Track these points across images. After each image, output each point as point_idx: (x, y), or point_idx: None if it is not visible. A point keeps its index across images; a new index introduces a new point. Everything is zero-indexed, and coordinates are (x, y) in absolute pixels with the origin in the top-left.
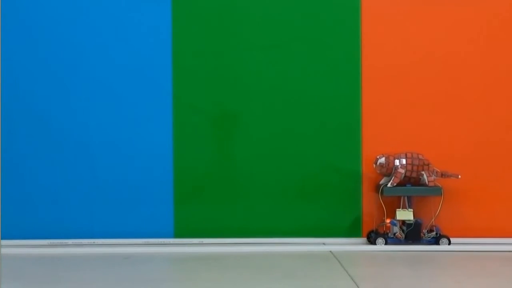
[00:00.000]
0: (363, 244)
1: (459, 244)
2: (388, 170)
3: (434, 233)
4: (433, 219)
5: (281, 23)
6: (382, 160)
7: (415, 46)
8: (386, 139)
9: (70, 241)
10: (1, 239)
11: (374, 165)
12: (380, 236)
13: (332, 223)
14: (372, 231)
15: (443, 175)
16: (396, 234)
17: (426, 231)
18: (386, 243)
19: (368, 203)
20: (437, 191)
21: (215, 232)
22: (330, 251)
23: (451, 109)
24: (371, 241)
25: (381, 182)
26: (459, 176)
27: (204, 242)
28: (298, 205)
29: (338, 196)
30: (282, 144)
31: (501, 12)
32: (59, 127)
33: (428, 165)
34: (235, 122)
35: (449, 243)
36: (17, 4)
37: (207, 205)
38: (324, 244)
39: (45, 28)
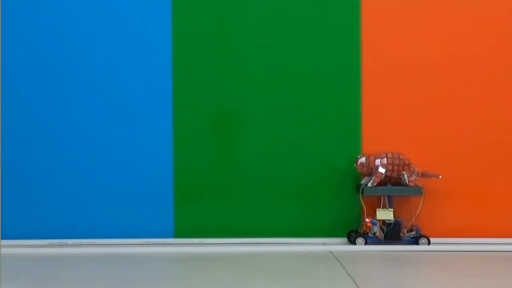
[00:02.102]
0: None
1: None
2: (369, 170)
3: (413, 232)
4: (413, 219)
5: (281, 23)
6: (363, 159)
7: (415, 46)
8: (386, 138)
9: (70, 241)
10: (1, 239)
11: (355, 165)
12: (360, 236)
13: (332, 223)
14: (353, 230)
15: (423, 175)
16: (376, 233)
17: (406, 231)
18: (366, 243)
19: (368, 202)
20: (417, 191)
21: (215, 232)
22: (330, 251)
23: (451, 109)
24: (351, 240)
25: (362, 182)
26: (440, 176)
27: (204, 242)
28: (298, 205)
29: (338, 196)
30: (282, 144)
31: (502, 12)
32: (59, 127)
33: (408, 165)
34: (235, 122)
35: (429, 243)
36: (16, 3)
37: (207, 205)
38: (324, 244)
39: (44, 28)
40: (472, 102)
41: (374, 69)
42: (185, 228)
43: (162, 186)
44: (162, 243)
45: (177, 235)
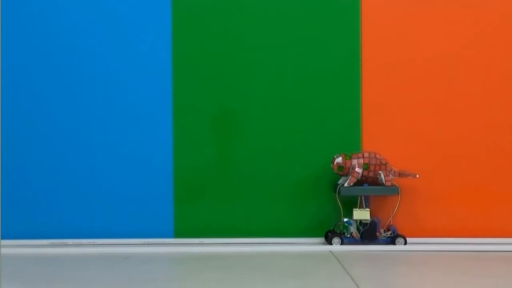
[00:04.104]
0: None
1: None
2: (345, 170)
3: (390, 232)
4: (390, 219)
5: (281, 23)
6: (339, 159)
7: (415, 46)
8: (386, 138)
9: (70, 241)
10: (1, 239)
11: (332, 165)
12: (336, 236)
13: (332, 223)
14: (330, 230)
15: (400, 174)
16: (352, 233)
17: (383, 230)
18: (342, 243)
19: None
20: (394, 190)
21: (215, 232)
22: (330, 251)
23: (451, 109)
24: (328, 240)
25: (339, 182)
26: (417, 176)
27: (204, 242)
28: (298, 205)
29: None
30: (282, 144)
31: (502, 12)
32: (59, 126)
33: (385, 164)
34: (235, 122)
35: (405, 243)
36: (16, 3)
37: (207, 205)
38: (324, 244)
39: (44, 28)
40: (472, 102)
41: (374, 69)
42: (185, 228)
43: (162, 186)
44: (162, 243)
45: (177, 235)
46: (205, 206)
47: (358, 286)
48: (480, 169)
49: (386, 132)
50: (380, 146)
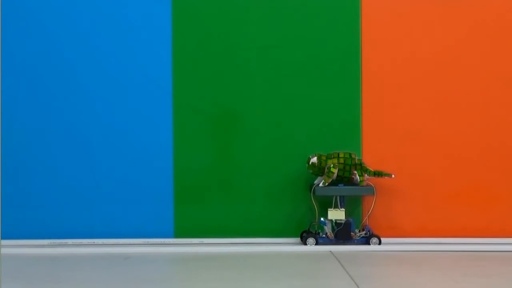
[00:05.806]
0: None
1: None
2: (321, 170)
3: (364, 232)
4: (366, 218)
5: (281, 23)
6: (314, 159)
7: (415, 46)
8: (386, 138)
9: (70, 241)
10: (1, 239)
11: (307, 165)
12: (311, 236)
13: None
14: (305, 231)
15: (376, 174)
16: (327, 233)
17: (358, 230)
18: (316, 243)
19: (368, 203)
20: (369, 190)
21: (215, 232)
22: (330, 251)
23: (451, 109)
24: (303, 241)
25: (314, 182)
26: (393, 176)
27: (204, 242)
28: (298, 205)
29: None
30: (282, 144)
31: (502, 12)
32: (59, 126)
33: (360, 164)
34: (235, 122)
35: (380, 243)
36: (17, 4)
37: (207, 205)
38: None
39: (44, 28)
40: (471, 102)
41: (374, 69)
42: (185, 228)
43: (162, 186)
44: (162, 243)
45: (177, 235)
46: (205, 206)
47: (358, 286)
48: (480, 169)
49: (386, 132)
50: (380, 146)
